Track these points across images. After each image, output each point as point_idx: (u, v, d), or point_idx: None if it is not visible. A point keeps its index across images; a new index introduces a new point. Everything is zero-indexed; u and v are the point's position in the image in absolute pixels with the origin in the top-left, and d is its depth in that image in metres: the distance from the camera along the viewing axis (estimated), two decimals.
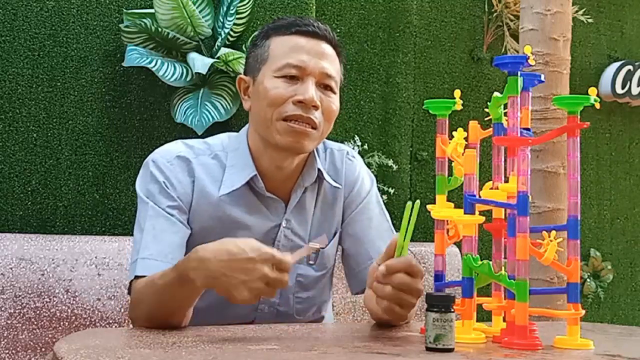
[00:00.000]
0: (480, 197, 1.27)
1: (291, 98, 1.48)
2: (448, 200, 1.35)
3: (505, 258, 1.24)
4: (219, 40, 2.64)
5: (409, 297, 1.25)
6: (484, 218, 1.28)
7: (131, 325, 1.44)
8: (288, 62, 1.49)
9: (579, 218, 1.25)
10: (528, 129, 1.27)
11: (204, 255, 1.24)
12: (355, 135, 3.04)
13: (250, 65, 1.58)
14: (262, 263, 1.20)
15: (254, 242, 1.23)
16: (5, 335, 2.05)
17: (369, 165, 2.95)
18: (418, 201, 1.26)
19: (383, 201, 1.72)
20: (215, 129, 2.25)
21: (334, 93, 1.53)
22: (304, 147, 1.50)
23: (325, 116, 1.51)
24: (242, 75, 1.60)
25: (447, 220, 1.34)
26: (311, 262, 1.60)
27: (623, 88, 3.83)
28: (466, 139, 1.32)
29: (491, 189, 1.30)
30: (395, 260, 1.25)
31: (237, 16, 2.67)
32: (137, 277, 1.41)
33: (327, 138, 1.62)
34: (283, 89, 1.48)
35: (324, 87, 1.51)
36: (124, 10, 2.64)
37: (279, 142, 1.49)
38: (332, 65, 1.52)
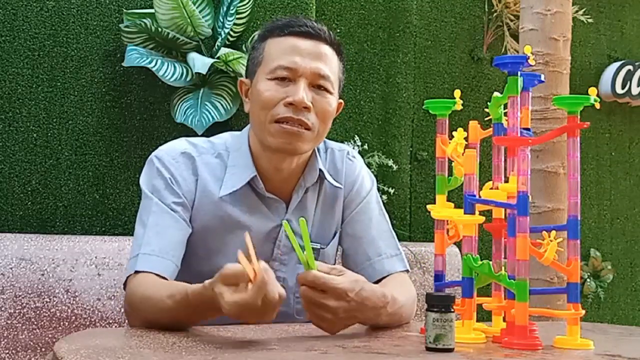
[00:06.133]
0: (480, 197, 1.27)
1: (282, 100, 1.47)
2: (448, 200, 1.35)
3: (505, 258, 1.24)
4: (219, 40, 2.64)
5: (319, 311, 1.21)
6: (484, 218, 1.28)
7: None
8: (280, 64, 1.49)
9: (579, 218, 1.25)
10: (528, 129, 1.27)
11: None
12: (355, 135, 3.04)
13: (249, 68, 1.59)
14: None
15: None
16: (5, 335, 2.05)
17: (369, 165, 2.95)
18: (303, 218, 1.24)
19: (383, 201, 1.71)
20: (215, 129, 2.25)
21: (330, 93, 1.52)
22: (297, 148, 1.49)
23: (319, 117, 1.50)
24: (242, 78, 1.60)
25: (447, 220, 1.34)
26: None
27: (623, 88, 3.82)
28: (466, 139, 1.33)
29: (491, 189, 1.30)
30: (302, 273, 1.22)
31: (237, 16, 2.67)
32: (136, 272, 1.41)
33: (327, 138, 1.62)
34: (275, 91, 1.48)
35: (318, 87, 1.50)
36: (124, 10, 2.64)
37: (272, 144, 1.49)
38: (327, 65, 1.51)
